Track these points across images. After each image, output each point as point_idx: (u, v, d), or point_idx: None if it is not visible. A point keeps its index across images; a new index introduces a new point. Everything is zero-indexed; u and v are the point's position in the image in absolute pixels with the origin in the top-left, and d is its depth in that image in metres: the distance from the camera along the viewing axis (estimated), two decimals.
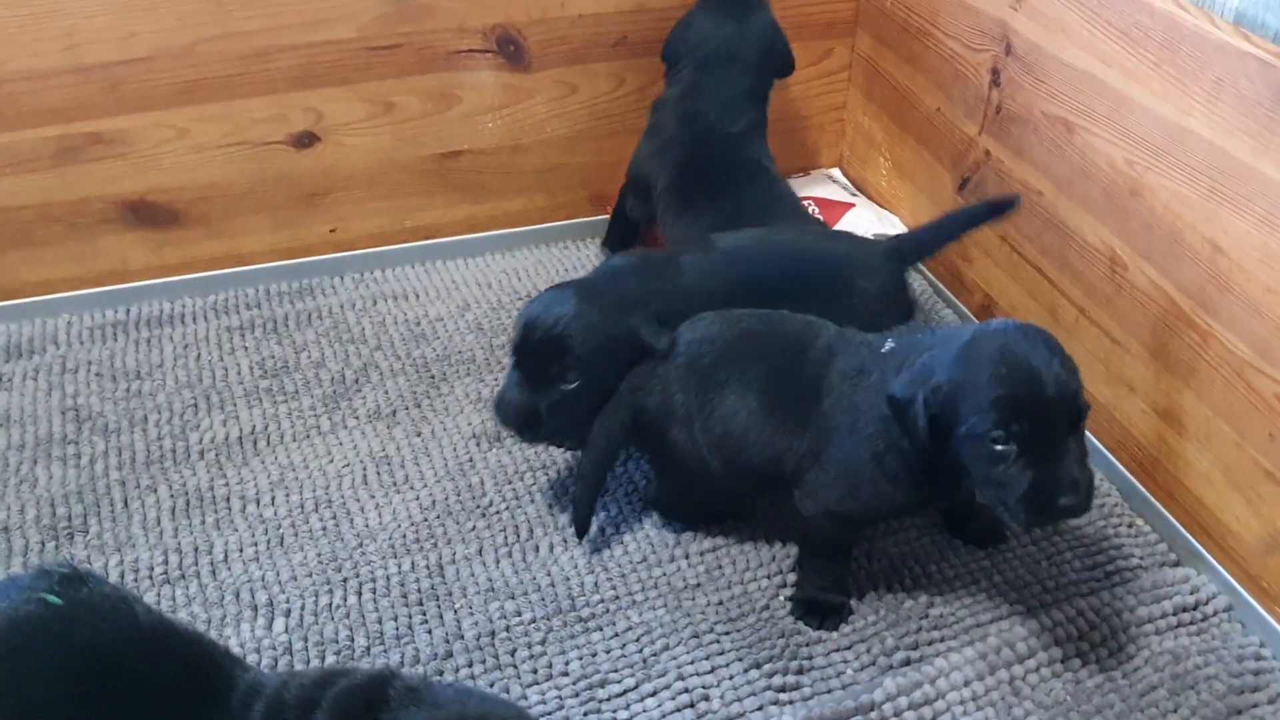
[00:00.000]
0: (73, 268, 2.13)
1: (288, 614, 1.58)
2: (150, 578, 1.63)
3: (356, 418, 1.94)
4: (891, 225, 2.34)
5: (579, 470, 1.68)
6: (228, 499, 1.76)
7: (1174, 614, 1.61)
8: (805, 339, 1.57)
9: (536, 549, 1.70)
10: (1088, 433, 1.85)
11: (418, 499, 1.78)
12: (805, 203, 2.23)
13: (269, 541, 1.69)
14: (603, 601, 1.61)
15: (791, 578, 1.64)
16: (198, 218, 2.17)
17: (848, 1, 2.39)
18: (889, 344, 1.50)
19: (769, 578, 1.65)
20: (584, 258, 2.38)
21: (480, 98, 2.24)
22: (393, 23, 2.11)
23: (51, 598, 1.16)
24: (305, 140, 2.17)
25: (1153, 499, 1.77)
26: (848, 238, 1.98)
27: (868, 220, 2.33)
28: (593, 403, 1.64)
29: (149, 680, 1.14)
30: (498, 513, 1.76)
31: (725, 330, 1.61)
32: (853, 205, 2.37)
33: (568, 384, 1.62)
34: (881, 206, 2.41)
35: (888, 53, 2.32)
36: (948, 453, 1.38)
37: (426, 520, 1.74)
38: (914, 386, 1.38)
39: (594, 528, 1.72)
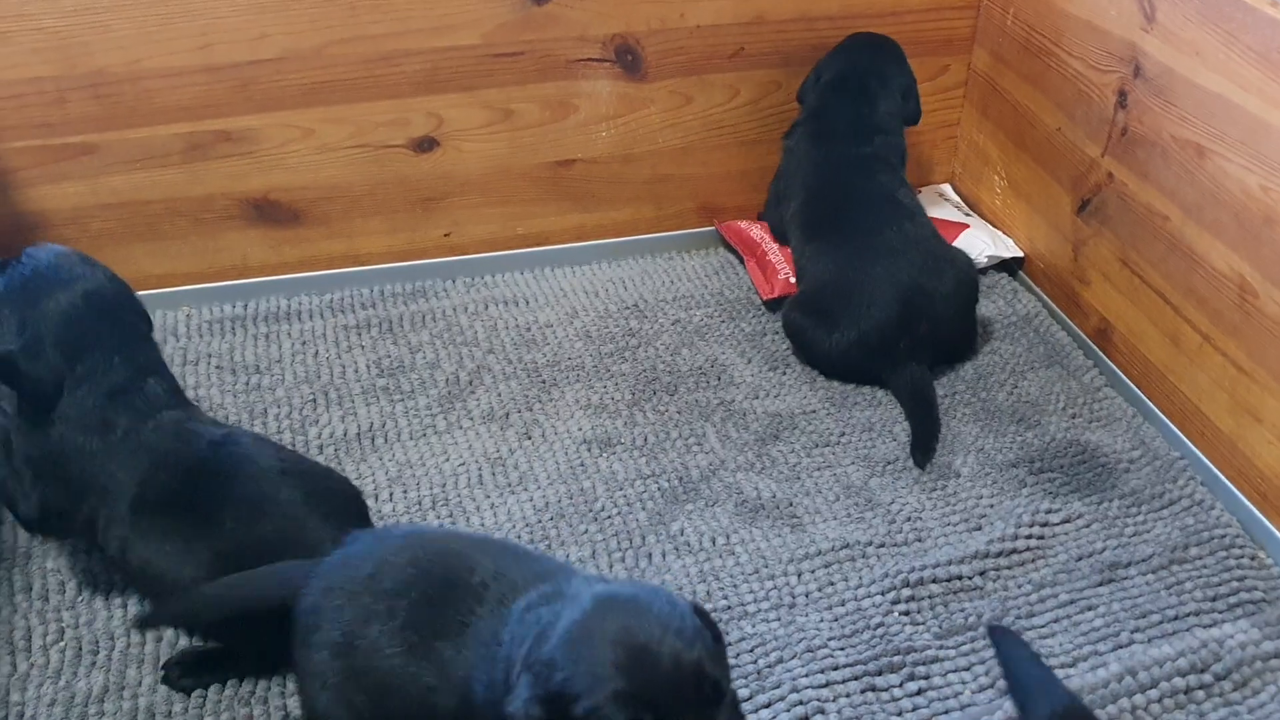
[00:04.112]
0: (195, 262, 2.19)
1: None
2: None
3: (470, 418, 1.97)
4: (1006, 248, 2.32)
5: None
6: None
7: None
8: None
9: (649, 556, 1.70)
10: (1208, 462, 1.84)
11: (531, 500, 1.80)
12: None
13: None
14: (715, 611, 1.61)
15: (906, 593, 1.62)
16: (318, 217, 2.21)
17: (965, 18, 2.38)
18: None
19: (882, 594, 1.63)
20: (690, 269, 2.39)
21: (596, 107, 2.26)
22: (516, 30, 2.13)
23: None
24: (425, 145, 2.20)
25: (1276, 532, 1.74)
26: None
27: (982, 243, 2.31)
28: None
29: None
30: (609, 518, 1.77)
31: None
32: (967, 226, 2.35)
33: None
34: (994, 225, 2.39)
35: (1006, 71, 2.30)
36: None
37: (540, 521, 1.76)
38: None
39: (706, 538, 1.72)
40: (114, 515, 1.45)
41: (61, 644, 1.54)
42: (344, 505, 1.53)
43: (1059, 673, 1.52)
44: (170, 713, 1.46)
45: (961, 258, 2.08)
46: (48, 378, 1.45)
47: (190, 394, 1.97)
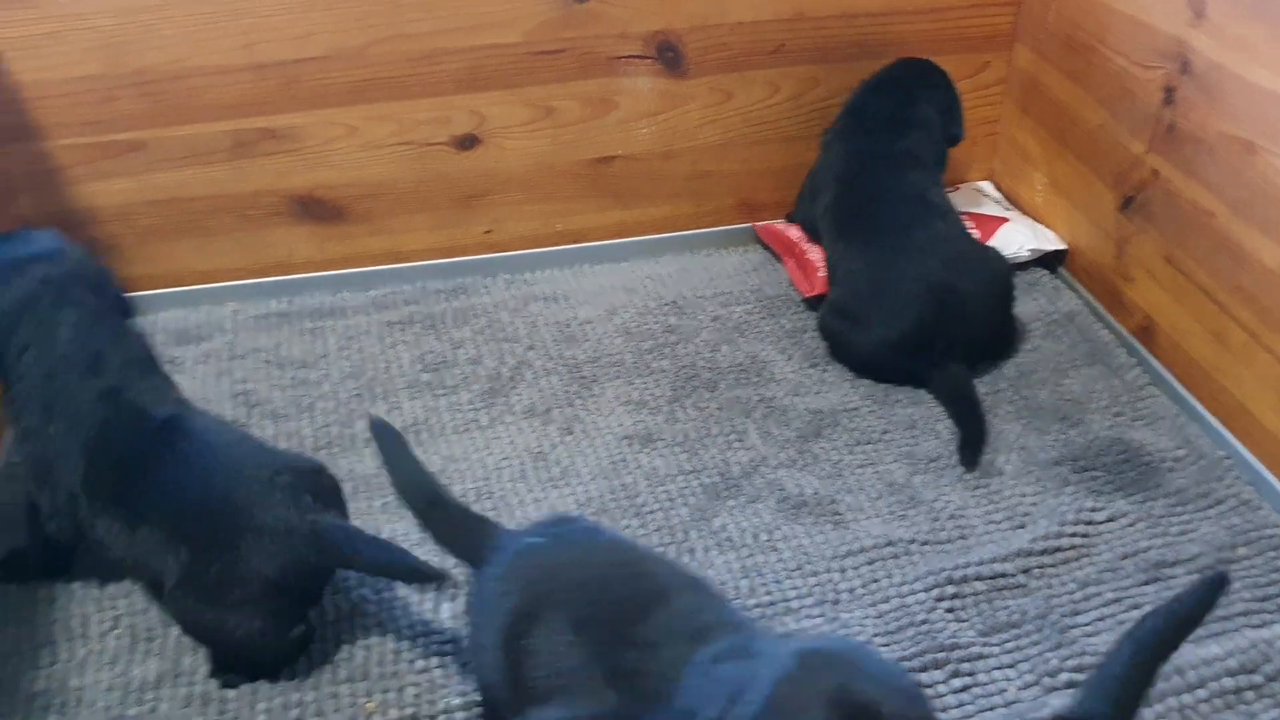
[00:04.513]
0: (240, 258, 2.22)
1: (452, 600, 1.61)
2: None
3: (513, 414, 1.98)
4: (1047, 240, 2.31)
5: None
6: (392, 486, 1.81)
7: None
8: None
9: (692, 551, 1.71)
10: (1256, 461, 1.82)
11: (573, 495, 1.81)
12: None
13: None
14: (759, 606, 1.62)
15: (950, 590, 1.62)
16: (362, 214, 2.23)
17: (1006, 15, 2.37)
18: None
19: (926, 591, 1.63)
20: (729, 265, 2.40)
21: (637, 103, 2.27)
22: (558, 28, 2.15)
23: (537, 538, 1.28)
24: (467, 142, 2.22)
25: None
26: None
27: (1022, 235, 2.30)
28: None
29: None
30: (651, 513, 1.78)
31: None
32: (1006, 220, 2.34)
33: None
34: (1035, 221, 2.38)
35: (1048, 67, 2.29)
36: None
37: (583, 516, 1.77)
38: None
39: (748, 534, 1.73)
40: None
41: (118, 631, 1.57)
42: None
43: None
44: (224, 699, 1.48)
45: (995, 255, 2.07)
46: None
47: (238, 388, 2.01)
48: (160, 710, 1.47)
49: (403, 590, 1.63)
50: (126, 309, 1.61)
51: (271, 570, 1.41)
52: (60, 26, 1.93)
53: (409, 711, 1.47)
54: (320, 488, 1.52)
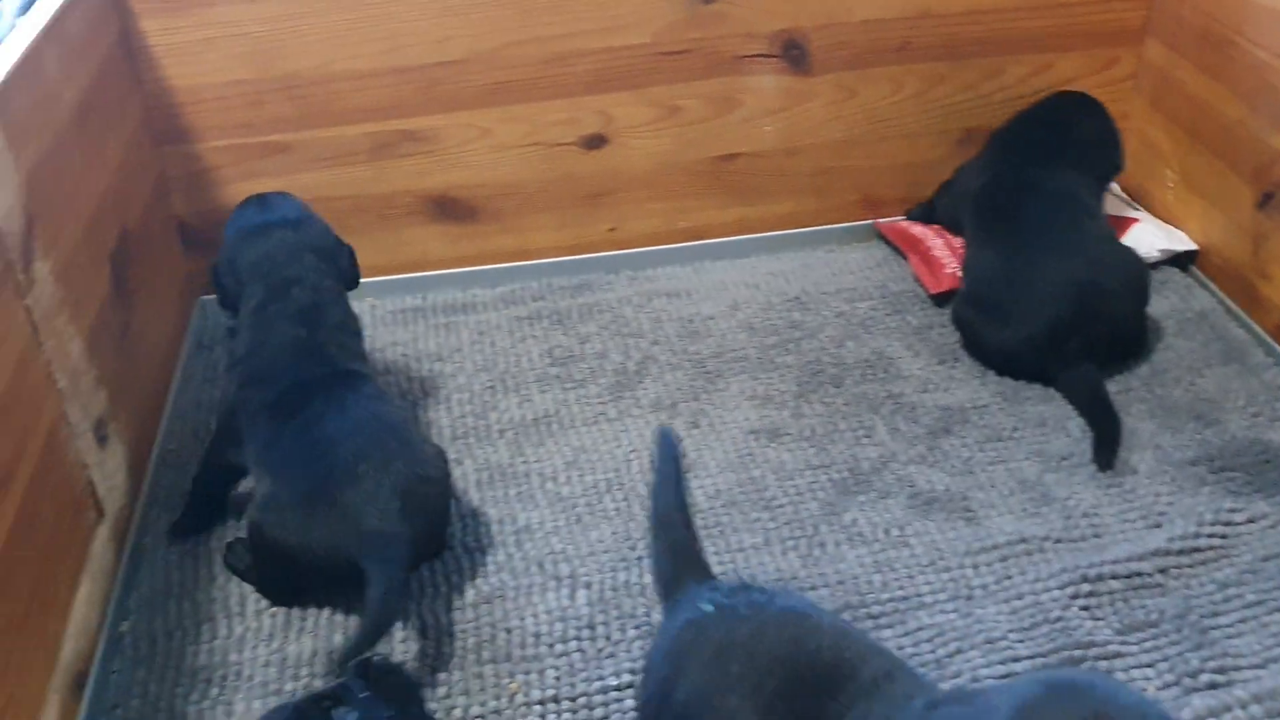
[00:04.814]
0: (378, 255, 2.29)
1: (588, 587, 1.66)
2: (462, 545, 1.74)
3: (640, 407, 2.02)
4: (1179, 241, 2.27)
5: None
6: (527, 475, 1.87)
7: None
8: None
9: (822, 545, 1.73)
10: None
11: (702, 488, 1.84)
12: None
13: (567, 518, 1.78)
14: (892, 601, 1.63)
15: (1085, 588, 1.62)
16: (492, 213, 2.30)
17: (1137, 9, 2.34)
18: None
19: (1061, 589, 1.63)
20: (851, 261, 2.41)
21: (760, 101, 2.29)
22: (684, 28, 2.18)
23: (708, 606, 1.22)
24: (594, 142, 2.27)
25: None
26: None
27: (1153, 235, 2.27)
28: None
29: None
30: (780, 507, 1.80)
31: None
32: (1137, 220, 2.31)
33: None
34: (1166, 220, 2.35)
35: (1181, 62, 2.26)
36: None
37: (713, 509, 1.80)
38: None
39: (879, 529, 1.74)
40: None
41: (273, 610, 1.64)
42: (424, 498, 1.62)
43: (1247, 674, 1.50)
44: None
45: (1135, 258, 2.05)
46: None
47: (380, 379, 2.08)
48: (315, 686, 1.53)
49: (540, 577, 1.69)
50: (350, 281, 1.86)
51: (317, 546, 1.54)
52: (214, 34, 2.02)
53: (550, 693, 1.51)
54: (424, 498, 1.61)
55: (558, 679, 1.53)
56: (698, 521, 1.75)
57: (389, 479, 1.55)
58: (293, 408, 1.63)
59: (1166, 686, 1.49)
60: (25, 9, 1.91)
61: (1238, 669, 1.51)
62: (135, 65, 2.03)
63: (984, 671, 1.51)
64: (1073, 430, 1.92)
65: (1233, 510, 1.73)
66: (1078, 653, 1.53)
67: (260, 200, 1.85)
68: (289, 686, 1.54)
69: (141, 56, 2.03)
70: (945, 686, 1.47)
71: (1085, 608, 1.60)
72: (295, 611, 1.64)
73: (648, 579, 1.67)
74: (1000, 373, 2.05)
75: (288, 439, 1.61)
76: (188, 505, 1.79)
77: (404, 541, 1.54)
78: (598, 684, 1.51)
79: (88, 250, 1.73)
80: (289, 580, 1.62)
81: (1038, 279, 1.96)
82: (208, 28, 2.02)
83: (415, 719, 1.41)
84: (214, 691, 1.54)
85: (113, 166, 1.88)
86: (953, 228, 2.28)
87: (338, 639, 1.59)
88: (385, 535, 1.52)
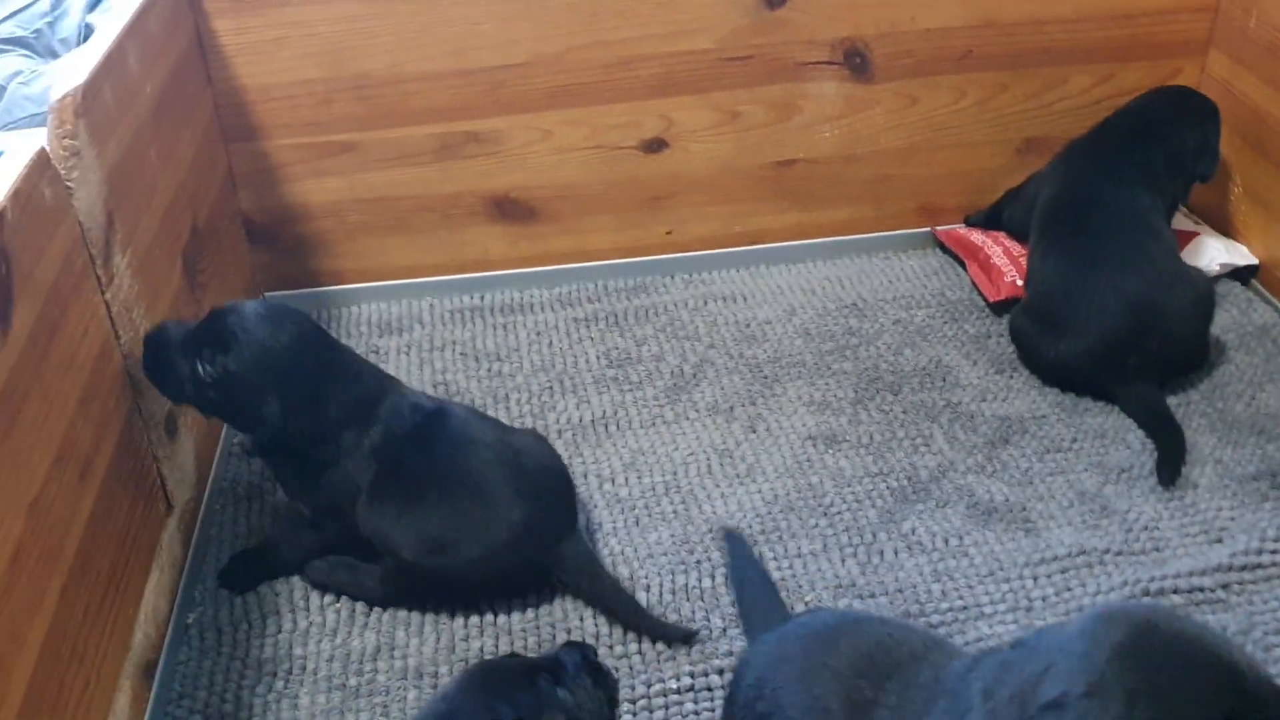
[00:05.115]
0: (440, 255, 2.32)
1: (647, 589, 1.68)
2: None
3: (696, 410, 2.03)
4: (1239, 255, 2.25)
5: None
6: (585, 476, 1.88)
7: None
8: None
9: (881, 553, 1.73)
10: None
11: (760, 492, 1.85)
12: None
13: (625, 520, 1.80)
14: (951, 610, 1.63)
15: (1146, 601, 1.61)
16: (552, 215, 2.32)
17: (1202, 21, 2.32)
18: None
19: (1121, 601, 1.63)
20: (909, 269, 2.41)
21: (821, 108, 2.30)
22: (748, 34, 2.19)
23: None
24: (655, 146, 2.28)
25: None
26: None
27: (1214, 250, 2.26)
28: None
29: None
30: (839, 513, 1.81)
31: None
32: (1197, 234, 2.30)
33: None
34: (1228, 232, 2.33)
35: (1245, 74, 2.24)
36: None
37: (770, 513, 1.81)
38: None
39: (938, 538, 1.74)
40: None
41: (337, 605, 1.66)
42: (545, 483, 1.66)
43: None
44: (436, 673, 1.56)
45: (1200, 278, 2.03)
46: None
47: (437, 378, 2.11)
48: (378, 681, 1.56)
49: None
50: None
51: (506, 567, 1.62)
52: (286, 33, 2.05)
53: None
54: (560, 487, 1.70)
55: (616, 681, 1.54)
56: (757, 526, 1.77)
57: (538, 481, 1.64)
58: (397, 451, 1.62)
59: None
60: (93, 5, 1.96)
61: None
62: (207, 63, 2.06)
63: None
64: (1132, 443, 1.91)
65: None
66: None
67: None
68: (352, 681, 1.56)
69: (213, 55, 2.06)
70: None
71: None
72: (359, 606, 1.66)
73: (706, 583, 1.69)
74: (1054, 386, 2.04)
75: (406, 480, 1.61)
76: (249, 566, 1.74)
77: (576, 528, 1.68)
78: (657, 686, 1.52)
79: (162, 245, 1.76)
80: (433, 595, 1.66)
81: (1096, 295, 1.95)
82: (279, 28, 2.05)
83: (611, 711, 1.45)
84: (279, 684, 1.56)
85: (185, 163, 1.92)
86: (1019, 236, 2.27)
87: (400, 635, 1.62)
88: (567, 535, 1.65)
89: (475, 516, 1.58)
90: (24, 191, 1.30)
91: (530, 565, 1.63)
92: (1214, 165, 2.20)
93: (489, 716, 1.30)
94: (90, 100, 1.49)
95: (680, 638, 1.58)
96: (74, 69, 1.52)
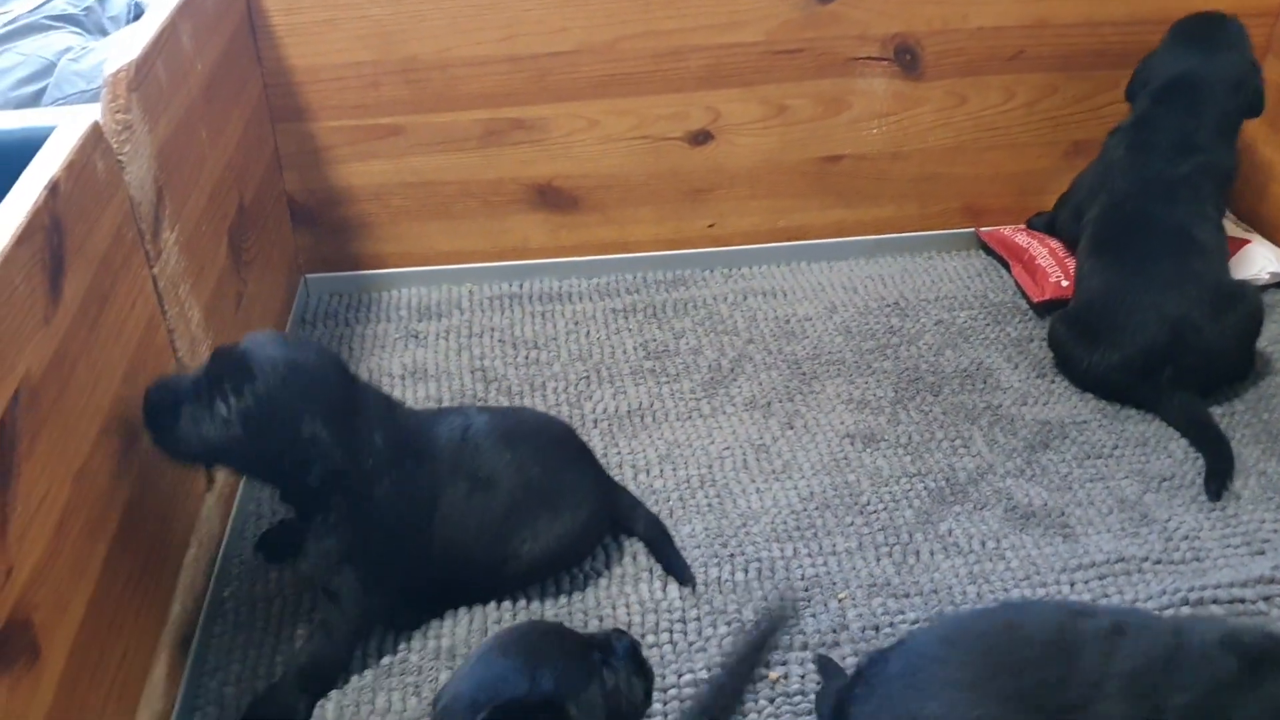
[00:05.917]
0: (480, 241, 2.32)
1: (681, 581, 1.67)
2: None
3: (734, 405, 2.03)
4: None
5: None
6: (620, 466, 1.88)
7: None
8: None
9: (917, 554, 1.72)
10: None
11: (795, 489, 1.84)
12: None
13: (659, 511, 1.78)
14: None
15: (1185, 612, 1.59)
16: (595, 204, 2.32)
17: (1260, 25, 2.28)
18: None
19: (1159, 610, 1.60)
20: (951, 269, 2.39)
21: (869, 104, 2.28)
22: (799, 28, 2.18)
23: None
24: (701, 138, 2.27)
25: None
26: None
27: (1264, 258, 2.23)
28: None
29: None
30: (875, 513, 1.80)
31: None
32: (1249, 241, 2.27)
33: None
34: (1277, 243, 2.29)
35: None
36: None
37: (806, 510, 1.80)
38: None
39: (975, 541, 1.73)
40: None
41: None
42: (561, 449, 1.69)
43: None
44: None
45: (1248, 291, 2.00)
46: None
47: (476, 364, 2.11)
48: (410, 660, 1.56)
49: (632, 568, 1.70)
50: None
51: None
52: (336, 15, 2.06)
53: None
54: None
55: (654, 675, 1.53)
56: (792, 522, 1.77)
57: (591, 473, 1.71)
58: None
59: None
60: None
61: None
62: (257, 43, 2.07)
63: None
64: (1174, 451, 1.89)
65: None
66: None
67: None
68: (385, 660, 1.57)
69: (264, 35, 2.07)
70: None
71: None
72: None
73: (739, 576, 1.68)
74: (1092, 393, 2.02)
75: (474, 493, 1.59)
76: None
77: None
78: (688, 676, 1.52)
79: (209, 222, 1.77)
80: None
81: (1136, 312, 1.93)
82: (330, 9, 2.06)
83: (645, 704, 1.46)
84: None
85: (234, 142, 1.93)
86: (1070, 240, 2.25)
87: (432, 619, 1.62)
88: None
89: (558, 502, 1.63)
90: (78, 163, 1.31)
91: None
92: (1259, 96, 2.10)
93: (547, 681, 1.28)
94: (143, 75, 1.51)
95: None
96: (128, 44, 1.53)
